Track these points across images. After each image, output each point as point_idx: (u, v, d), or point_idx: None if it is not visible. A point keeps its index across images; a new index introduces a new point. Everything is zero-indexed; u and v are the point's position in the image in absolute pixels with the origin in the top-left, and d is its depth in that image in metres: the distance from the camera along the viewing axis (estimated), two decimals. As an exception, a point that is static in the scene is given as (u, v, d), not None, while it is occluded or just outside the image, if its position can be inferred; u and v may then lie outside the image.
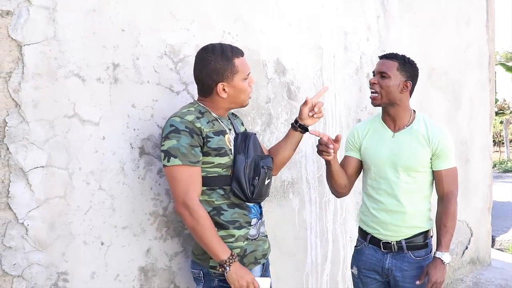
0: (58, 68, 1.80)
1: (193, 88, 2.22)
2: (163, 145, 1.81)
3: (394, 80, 2.14)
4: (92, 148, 1.90)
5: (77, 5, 1.85)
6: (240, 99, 1.94)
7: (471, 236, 4.73)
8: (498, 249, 6.15)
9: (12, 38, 1.70)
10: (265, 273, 2.06)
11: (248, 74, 1.93)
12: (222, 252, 1.79)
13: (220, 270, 1.81)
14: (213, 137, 1.84)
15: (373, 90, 2.18)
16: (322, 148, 2.06)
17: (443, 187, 2.19)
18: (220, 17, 2.37)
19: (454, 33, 4.33)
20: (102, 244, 1.94)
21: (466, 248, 4.67)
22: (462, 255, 4.62)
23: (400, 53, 2.30)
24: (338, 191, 2.32)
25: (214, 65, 1.85)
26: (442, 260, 2.09)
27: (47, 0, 1.77)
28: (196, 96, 2.22)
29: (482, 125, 4.84)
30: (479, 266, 4.87)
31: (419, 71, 2.28)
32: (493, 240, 6.38)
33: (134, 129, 2.02)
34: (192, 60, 2.20)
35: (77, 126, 1.85)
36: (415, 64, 2.24)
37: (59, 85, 1.80)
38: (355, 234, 2.49)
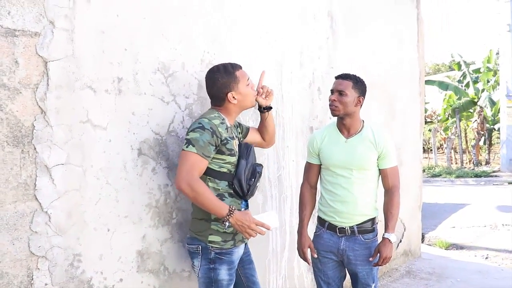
0: (75, 81, 2.14)
1: (180, 100, 2.62)
2: (188, 135, 2.21)
3: (350, 97, 2.61)
4: (101, 149, 2.24)
5: (89, 27, 2.20)
6: (247, 102, 2.42)
7: (404, 231, 5.35)
8: (427, 244, 6.86)
9: (39, 55, 2.03)
10: (247, 250, 2.49)
11: (248, 80, 2.40)
12: (222, 209, 2.18)
13: (226, 224, 2.19)
14: (229, 140, 2.28)
15: (334, 106, 2.64)
16: None
17: (388, 182, 2.71)
18: (201, 38, 2.77)
19: (391, 52, 4.94)
20: (108, 230, 2.28)
21: (400, 241, 5.28)
22: (397, 247, 5.22)
23: (349, 71, 2.80)
24: None
25: (221, 80, 2.31)
26: (390, 240, 2.59)
27: (67, 23, 2.11)
28: (182, 106, 2.62)
29: (413, 133, 5.49)
30: (411, 257, 5.50)
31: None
32: (423, 237, 7.10)
33: (134, 133, 2.38)
34: (179, 75, 2.62)
35: (89, 130, 2.19)
36: (364, 81, 2.73)
37: (76, 95, 2.14)
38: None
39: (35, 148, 2.01)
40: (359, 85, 2.67)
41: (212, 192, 2.22)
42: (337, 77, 2.71)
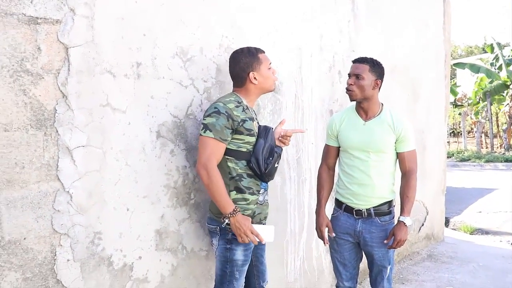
0: (95, 66, 2.22)
1: (198, 83, 2.67)
2: (205, 120, 2.32)
3: (367, 80, 2.63)
4: (121, 131, 2.32)
5: (109, 14, 2.26)
6: (267, 84, 2.51)
7: (427, 214, 5.33)
8: (452, 229, 6.83)
9: (61, 42, 2.10)
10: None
11: (270, 64, 2.51)
12: (227, 206, 2.28)
13: (225, 221, 2.29)
14: (247, 120, 2.36)
15: (351, 90, 2.66)
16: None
17: (406, 165, 2.72)
18: (219, 23, 2.81)
19: (414, 35, 4.89)
20: (128, 210, 2.37)
21: (422, 225, 5.27)
22: (419, 231, 5.22)
23: (369, 56, 2.80)
24: None
25: (244, 60, 2.42)
26: (405, 223, 2.62)
27: (87, 10, 2.18)
28: (200, 90, 2.68)
29: (437, 117, 5.43)
30: (434, 241, 5.49)
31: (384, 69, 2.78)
32: (448, 221, 7.06)
33: (152, 116, 2.45)
34: (197, 60, 2.66)
35: (109, 114, 2.27)
36: (382, 64, 2.73)
37: (96, 80, 2.22)
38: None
39: (57, 131, 2.10)
40: (376, 68, 2.67)
41: (225, 186, 2.30)
42: (354, 61, 2.73)
